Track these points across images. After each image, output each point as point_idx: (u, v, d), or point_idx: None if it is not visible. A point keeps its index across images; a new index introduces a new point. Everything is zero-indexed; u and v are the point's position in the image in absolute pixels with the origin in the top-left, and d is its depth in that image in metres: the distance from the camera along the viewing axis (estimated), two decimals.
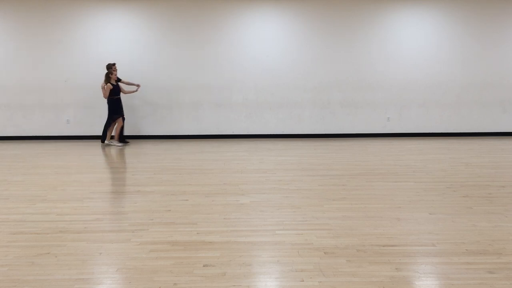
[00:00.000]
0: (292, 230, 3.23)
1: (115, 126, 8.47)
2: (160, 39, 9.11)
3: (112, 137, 8.51)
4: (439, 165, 5.87)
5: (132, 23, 9.11)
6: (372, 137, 9.25)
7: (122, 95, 8.51)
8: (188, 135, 9.26)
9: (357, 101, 9.31)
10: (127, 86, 8.58)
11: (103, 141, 8.48)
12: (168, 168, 5.89)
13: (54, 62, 9.12)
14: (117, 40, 9.11)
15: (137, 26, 9.11)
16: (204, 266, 2.60)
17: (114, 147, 8.05)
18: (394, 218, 3.53)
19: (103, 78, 8.50)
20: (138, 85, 8.63)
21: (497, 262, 2.64)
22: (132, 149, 7.82)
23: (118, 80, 8.41)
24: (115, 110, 8.32)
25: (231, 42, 9.15)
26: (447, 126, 9.44)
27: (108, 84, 8.14)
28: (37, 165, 6.18)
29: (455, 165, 5.94)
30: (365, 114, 9.36)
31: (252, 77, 9.19)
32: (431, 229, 3.26)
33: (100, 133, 8.83)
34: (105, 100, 8.41)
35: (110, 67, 8.25)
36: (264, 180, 5.03)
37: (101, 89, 8.41)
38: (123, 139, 8.52)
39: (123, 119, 8.48)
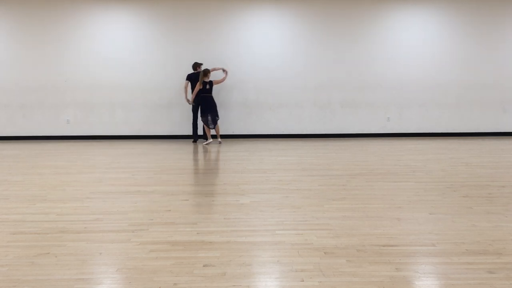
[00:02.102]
0: (292, 230, 3.23)
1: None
2: (160, 39, 9.12)
3: (200, 136, 8.71)
4: (439, 165, 5.87)
5: (132, 23, 9.11)
6: (372, 137, 9.25)
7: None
8: (188, 135, 9.25)
9: (357, 101, 9.31)
10: (217, 77, 8.58)
11: (197, 140, 8.68)
12: (168, 168, 5.89)
13: (54, 62, 9.12)
14: (117, 40, 9.12)
15: (137, 26, 9.11)
16: (204, 266, 2.60)
17: (203, 144, 8.30)
18: (394, 218, 3.52)
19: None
20: (220, 69, 8.66)
21: (497, 262, 2.64)
22: (131, 149, 7.82)
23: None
24: (203, 109, 8.35)
25: (231, 42, 9.15)
26: (447, 126, 9.44)
27: (197, 84, 8.25)
28: (37, 165, 6.18)
29: (455, 165, 5.94)
30: (365, 114, 9.36)
31: (252, 77, 9.20)
32: (431, 229, 3.26)
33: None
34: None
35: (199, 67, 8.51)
36: (264, 180, 5.02)
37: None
38: (196, 137, 8.69)
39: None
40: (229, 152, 7.30)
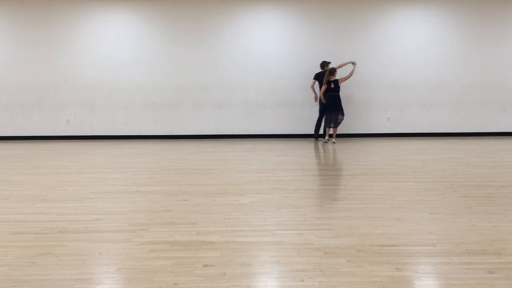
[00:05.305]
0: (292, 230, 3.23)
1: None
2: (160, 38, 9.11)
3: (321, 135, 8.90)
4: (439, 165, 5.87)
5: (132, 22, 9.11)
6: (372, 137, 9.25)
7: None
8: (188, 135, 9.26)
9: (357, 101, 9.31)
10: (344, 70, 8.59)
11: (318, 137, 8.87)
12: (168, 168, 5.89)
13: (54, 62, 9.12)
14: (117, 39, 9.11)
15: (137, 25, 9.11)
16: (204, 266, 2.60)
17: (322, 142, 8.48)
18: (394, 218, 3.53)
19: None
20: (349, 63, 8.60)
21: (497, 262, 2.64)
22: (131, 149, 7.82)
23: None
24: (328, 108, 8.41)
25: (231, 42, 9.14)
26: (447, 126, 9.44)
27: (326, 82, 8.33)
28: (37, 165, 6.18)
29: (455, 165, 5.94)
30: (365, 114, 9.35)
31: (252, 77, 9.19)
32: (431, 229, 3.26)
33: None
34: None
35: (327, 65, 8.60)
36: (264, 180, 5.02)
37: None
38: (318, 135, 8.92)
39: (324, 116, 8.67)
40: (229, 152, 7.30)
